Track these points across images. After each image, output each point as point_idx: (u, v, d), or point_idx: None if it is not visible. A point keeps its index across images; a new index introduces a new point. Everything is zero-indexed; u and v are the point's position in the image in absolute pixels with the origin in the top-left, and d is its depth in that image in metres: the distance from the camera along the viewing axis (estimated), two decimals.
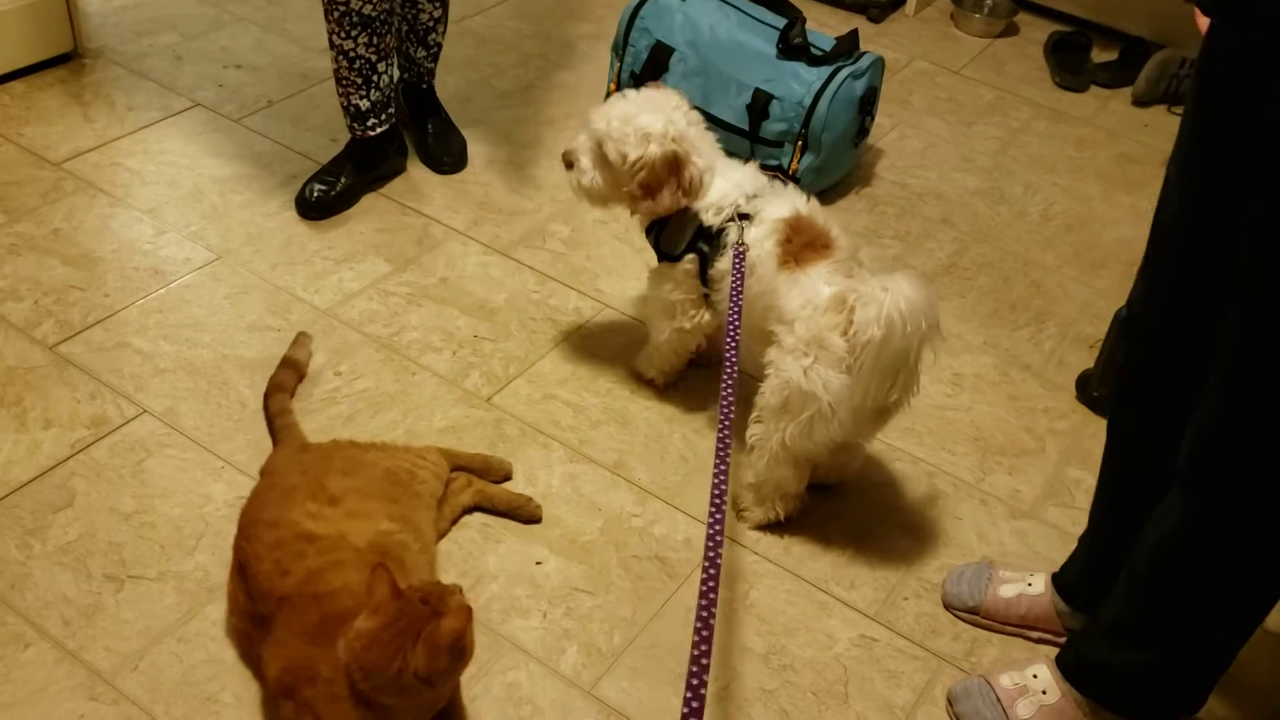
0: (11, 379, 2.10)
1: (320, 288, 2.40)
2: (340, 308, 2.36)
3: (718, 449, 1.55)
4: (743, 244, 1.95)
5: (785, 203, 1.98)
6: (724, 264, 1.98)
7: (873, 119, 2.87)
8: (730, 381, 1.66)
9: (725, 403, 1.63)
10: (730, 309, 1.86)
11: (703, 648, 1.29)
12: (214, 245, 2.47)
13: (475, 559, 1.91)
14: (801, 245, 1.91)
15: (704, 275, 2.04)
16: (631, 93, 2.05)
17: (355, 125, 2.58)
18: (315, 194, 2.57)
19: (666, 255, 2.08)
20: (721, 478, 1.52)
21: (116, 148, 2.71)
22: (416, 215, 2.64)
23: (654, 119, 1.98)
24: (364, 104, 2.54)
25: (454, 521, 1.95)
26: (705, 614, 1.31)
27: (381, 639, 1.44)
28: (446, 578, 1.86)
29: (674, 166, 1.97)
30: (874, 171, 2.98)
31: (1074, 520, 2.06)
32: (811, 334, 1.82)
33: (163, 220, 2.52)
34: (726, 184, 2.01)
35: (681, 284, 2.07)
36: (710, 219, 2.00)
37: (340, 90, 2.53)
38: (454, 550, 1.92)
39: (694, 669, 1.26)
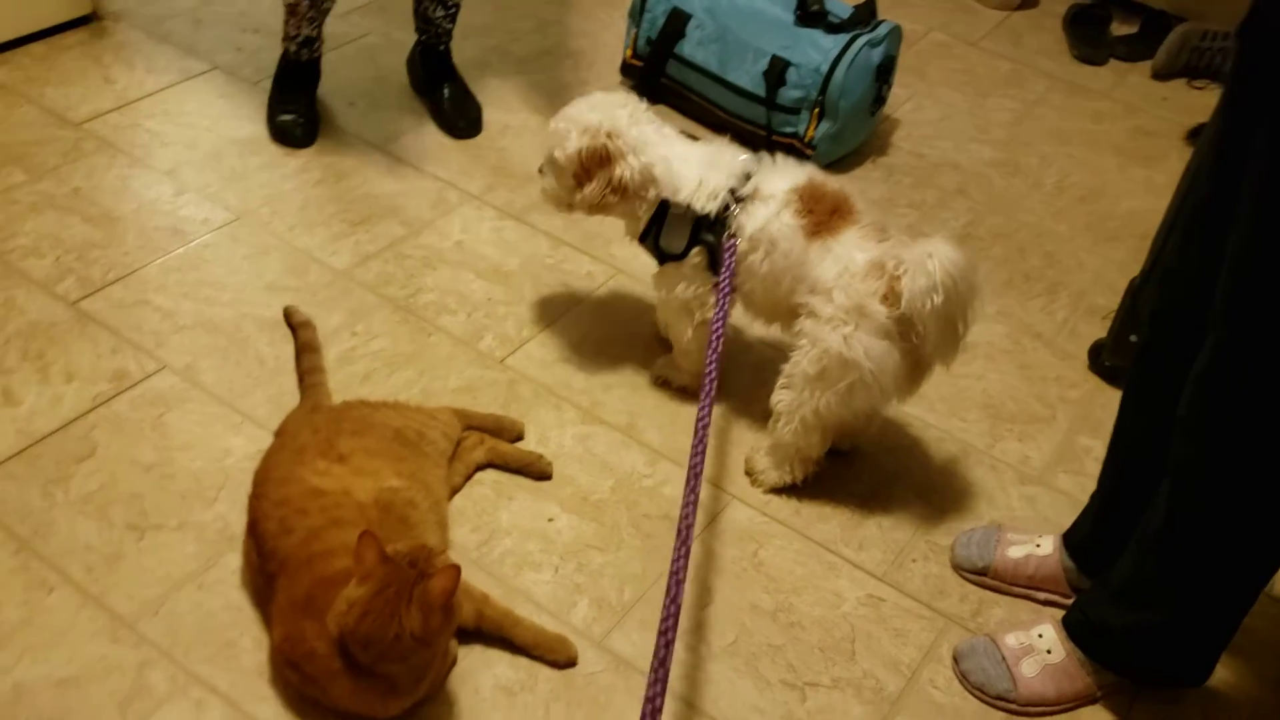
0: (34, 333, 2.13)
1: (337, 249, 2.42)
2: (357, 269, 2.38)
3: (693, 451, 1.60)
4: (733, 236, 1.94)
5: (786, 174, 1.96)
6: (740, 246, 1.95)
7: (889, 88, 2.87)
8: (713, 375, 1.71)
9: (705, 402, 1.68)
10: (717, 303, 1.87)
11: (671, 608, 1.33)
12: (233, 206, 2.49)
13: (488, 515, 1.93)
14: (826, 213, 1.90)
15: (715, 266, 2.00)
16: (592, 95, 2.04)
17: (303, 50, 2.69)
18: (293, 123, 2.68)
19: (670, 256, 2.03)
20: (697, 469, 1.60)
21: (136, 109, 2.73)
22: (432, 179, 2.65)
23: (591, 115, 1.97)
24: (315, 33, 2.67)
25: (467, 478, 1.98)
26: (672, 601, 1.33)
27: (374, 606, 1.47)
28: (460, 533, 1.89)
29: (602, 160, 1.95)
30: (890, 141, 2.98)
31: (1083, 487, 2.07)
32: (852, 302, 1.82)
33: (182, 181, 2.54)
34: (708, 169, 1.97)
35: (693, 279, 2.02)
36: (705, 205, 1.96)
37: (293, 22, 2.63)
38: (467, 506, 1.94)
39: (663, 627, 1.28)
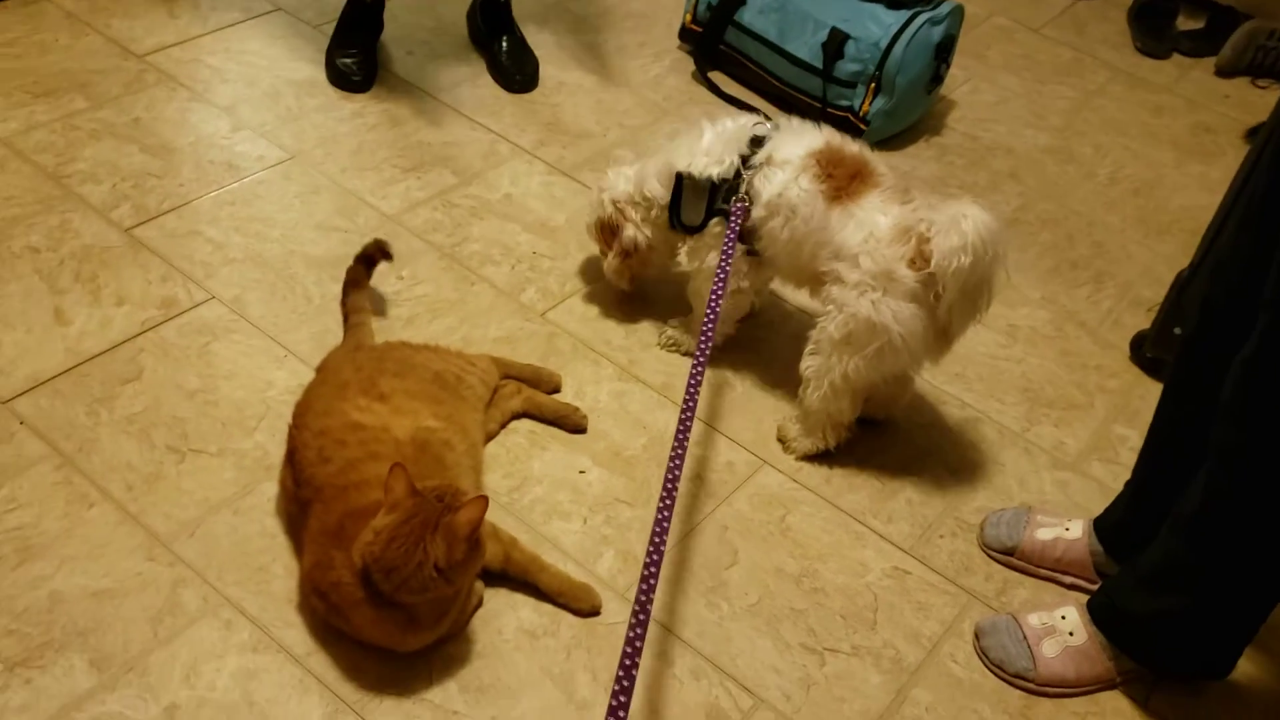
0: (88, 256, 2.17)
1: (388, 194, 2.44)
2: (406, 215, 2.40)
3: (678, 431, 1.61)
4: (742, 200, 1.95)
5: (802, 139, 1.96)
6: (759, 212, 1.96)
7: (948, 67, 2.85)
8: (705, 347, 1.73)
9: (703, 347, 1.70)
10: (717, 274, 1.87)
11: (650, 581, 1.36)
12: (287, 145, 2.52)
13: (521, 462, 1.95)
14: (847, 178, 1.89)
15: (740, 235, 2.00)
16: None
17: None
18: (352, 67, 2.69)
19: (691, 229, 2.07)
20: (688, 420, 1.61)
21: (198, 45, 2.76)
22: (485, 131, 2.67)
23: (600, 189, 2.17)
24: None
25: (503, 425, 2.00)
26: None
27: (400, 533, 1.49)
28: (493, 478, 1.91)
29: (613, 230, 2.15)
30: (945, 122, 2.97)
31: (1116, 476, 2.06)
32: (880, 267, 1.82)
33: (239, 117, 2.57)
34: (718, 139, 2.01)
35: (717, 247, 2.02)
36: (714, 171, 1.99)
37: None
38: (501, 454, 1.96)
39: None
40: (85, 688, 1.55)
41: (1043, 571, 1.90)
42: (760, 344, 2.24)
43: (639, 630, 1.39)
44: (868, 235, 1.84)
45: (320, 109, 2.64)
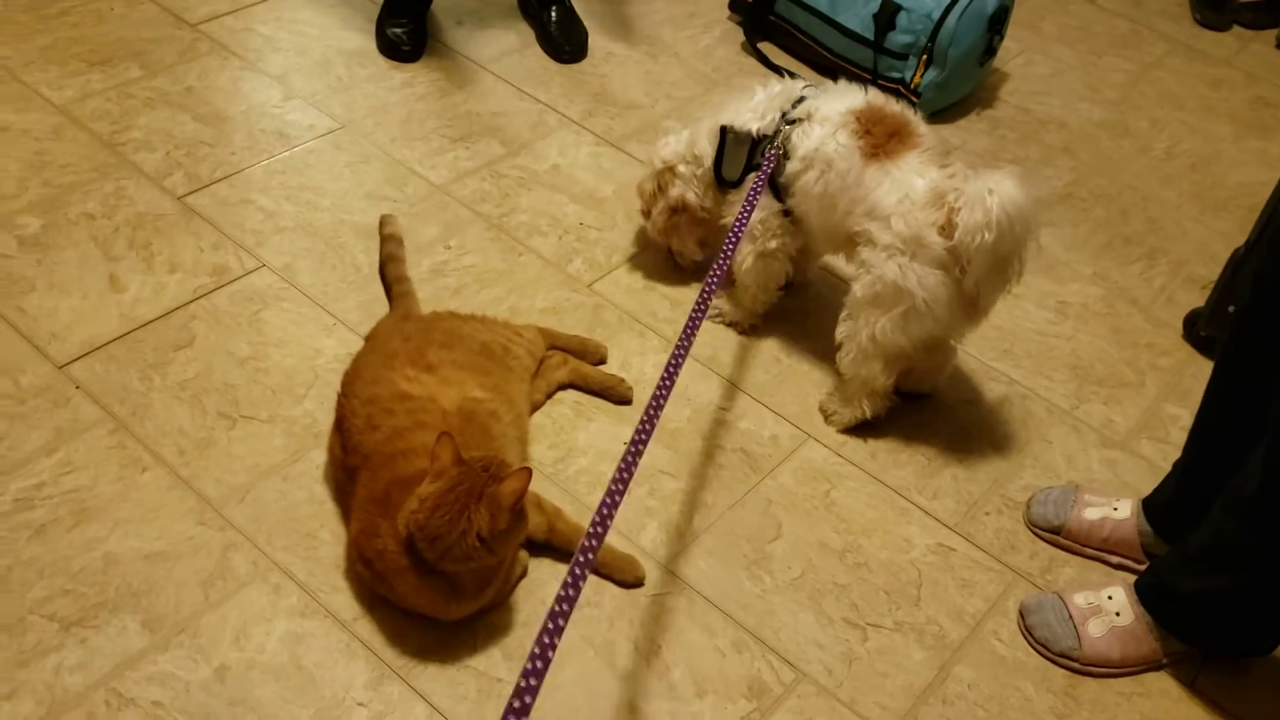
0: (141, 224, 2.20)
1: (436, 164, 2.45)
2: (454, 185, 2.41)
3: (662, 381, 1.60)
4: (776, 149, 1.97)
5: (843, 97, 1.96)
6: (794, 165, 1.95)
7: (1001, 39, 2.81)
8: (714, 282, 1.69)
9: (709, 284, 1.67)
10: (738, 216, 1.86)
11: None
12: (338, 115, 2.53)
13: (566, 433, 1.96)
14: (885, 135, 1.87)
15: (775, 191, 2.00)
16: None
17: None
18: (402, 37, 2.70)
19: (730, 184, 2.09)
20: (680, 357, 1.63)
21: (251, 14, 2.78)
22: (533, 101, 2.67)
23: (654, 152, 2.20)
24: None
25: (548, 396, 2.01)
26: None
27: (445, 501, 1.51)
28: (538, 449, 1.92)
29: (660, 190, 2.18)
30: (997, 94, 2.93)
31: (1165, 455, 2.04)
32: (911, 231, 1.81)
33: (290, 87, 2.59)
34: (763, 98, 2.05)
35: (765, 207, 2.01)
36: (756, 126, 2.01)
37: None
38: (547, 424, 1.97)
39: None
40: (138, 648, 1.59)
41: (1089, 551, 1.88)
42: (807, 317, 2.23)
43: (569, 593, 1.27)
44: (903, 196, 1.83)
45: (370, 78, 2.65)
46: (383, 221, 2.24)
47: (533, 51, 2.81)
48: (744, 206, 1.89)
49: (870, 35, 2.72)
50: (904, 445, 2.03)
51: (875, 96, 1.96)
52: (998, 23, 2.74)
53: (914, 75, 2.70)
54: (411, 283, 2.12)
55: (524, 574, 1.74)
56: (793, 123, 1.96)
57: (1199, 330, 2.28)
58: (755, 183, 1.93)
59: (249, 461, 1.83)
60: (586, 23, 2.87)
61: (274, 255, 2.18)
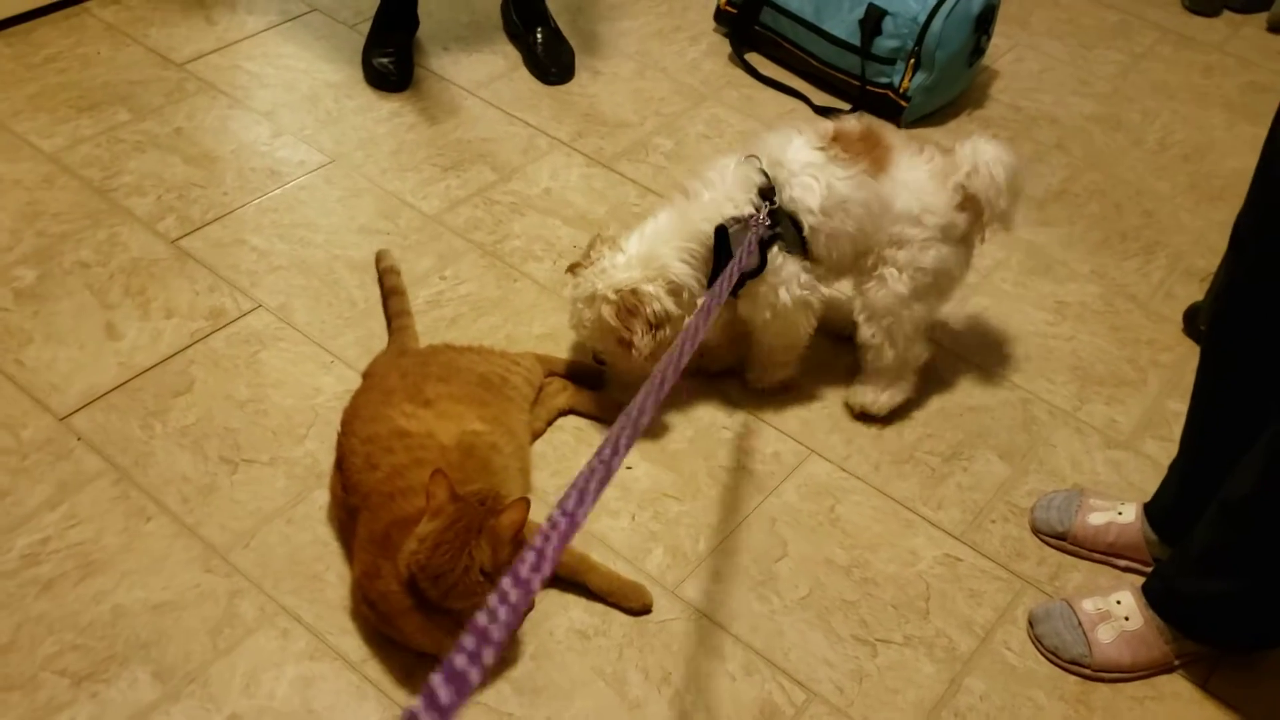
0: (136, 270, 2.20)
1: (428, 194, 2.45)
2: (447, 214, 2.41)
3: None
4: (759, 222, 1.85)
5: (794, 139, 1.89)
6: (813, 219, 1.87)
7: (989, 38, 2.80)
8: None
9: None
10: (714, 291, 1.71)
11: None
12: (327, 149, 2.54)
13: (568, 459, 1.96)
14: (867, 150, 1.89)
15: (802, 244, 1.91)
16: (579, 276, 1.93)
17: None
18: (388, 67, 2.71)
19: (751, 274, 1.91)
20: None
21: (236, 50, 2.79)
22: (523, 125, 2.67)
23: (595, 309, 1.89)
24: None
25: (549, 423, 2.01)
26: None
27: (445, 539, 1.51)
28: (540, 477, 1.92)
29: (631, 311, 1.86)
30: (988, 93, 2.92)
31: (1170, 453, 2.01)
32: (943, 220, 1.91)
33: (279, 123, 2.59)
34: (720, 186, 1.88)
35: (793, 270, 1.92)
36: (748, 208, 1.86)
37: None
38: (548, 451, 1.97)
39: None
40: (149, 699, 1.59)
41: (1096, 556, 1.88)
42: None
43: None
44: (919, 193, 1.90)
45: (359, 110, 2.65)
46: (379, 257, 2.24)
47: (520, 75, 2.81)
48: (734, 266, 1.77)
49: (856, 41, 2.72)
50: (907, 456, 2.03)
51: (821, 123, 1.95)
52: (984, 22, 2.73)
53: (902, 80, 2.69)
54: (412, 317, 2.12)
55: (530, 607, 1.74)
56: (771, 193, 1.87)
57: (1199, 324, 2.27)
58: (746, 245, 1.83)
59: (252, 506, 1.84)
60: (572, 42, 2.87)
61: (269, 295, 2.18)
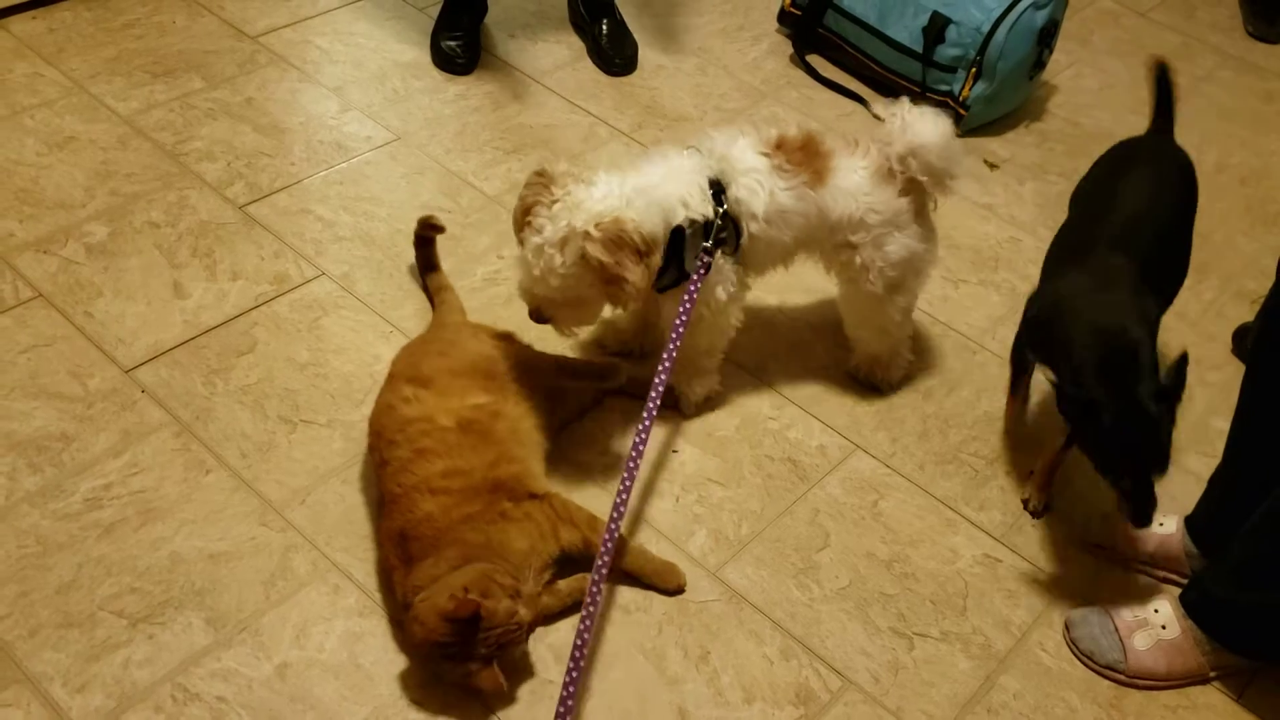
0: (204, 232, 2.26)
1: (490, 175, 2.49)
2: (507, 196, 2.45)
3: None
4: (704, 260, 1.81)
5: (739, 141, 1.87)
6: (754, 226, 1.85)
7: (1050, 52, 2.82)
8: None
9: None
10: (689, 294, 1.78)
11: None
12: (394, 126, 2.59)
13: (616, 441, 1.99)
14: (808, 158, 1.87)
15: (737, 250, 1.89)
16: (537, 222, 1.77)
17: None
18: (456, 50, 2.75)
19: (685, 275, 1.85)
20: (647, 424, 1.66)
21: (309, 26, 2.84)
22: (584, 114, 2.71)
23: (570, 250, 1.72)
24: None
25: (581, 413, 2.02)
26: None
27: (445, 648, 1.55)
28: (588, 455, 1.95)
29: (618, 242, 1.71)
30: (1046, 107, 2.93)
31: (1213, 469, 2.04)
32: (889, 212, 1.92)
33: (347, 98, 2.64)
34: (677, 180, 1.81)
35: (727, 273, 1.89)
36: (703, 209, 1.82)
37: None
38: (596, 430, 2.01)
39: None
40: (203, 644, 1.63)
41: (1135, 565, 1.89)
42: None
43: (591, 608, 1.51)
44: (859, 194, 1.91)
45: (425, 91, 2.70)
46: (424, 222, 2.19)
47: (584, 65, 2.85)
48: (693, 286, 1.80)
49: (919, 48, 2.74)
50: (951, 457, 2.05)
51: (765, 130, 1.91)
52: (1047, 36, 2.75)
53: (962, 88, 2.71)
54: (451, 289, 2.14)
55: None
56: (720, 189, 1.83)
57: (1249, 345, 2.27)
58: (701, 266, 1.82)
59: (309, 465, 1.88)
60: (637, 36, 2.91)
61: (333, 264, 2.23)
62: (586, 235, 1.69)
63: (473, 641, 1.52)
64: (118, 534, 1.75)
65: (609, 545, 1.58)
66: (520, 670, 1.65)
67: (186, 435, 1.90)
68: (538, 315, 1.83)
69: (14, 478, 1.81)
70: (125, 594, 1.68)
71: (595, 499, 1.86)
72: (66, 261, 2.16)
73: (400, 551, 1.63)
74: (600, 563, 1.57)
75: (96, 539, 1.74)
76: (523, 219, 1.79)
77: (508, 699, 1.62)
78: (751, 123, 2.00)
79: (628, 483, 1.64)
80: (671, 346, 1.77)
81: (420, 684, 1.62)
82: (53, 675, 1.58)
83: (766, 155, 1.87)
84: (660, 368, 1.75)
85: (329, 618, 1.69)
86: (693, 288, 1.81)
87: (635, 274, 1.71)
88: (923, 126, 1.88)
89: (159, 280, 2.15)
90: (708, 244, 1.82)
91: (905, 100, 1.93)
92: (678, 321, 1.78)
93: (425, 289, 2.18)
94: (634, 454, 1.66)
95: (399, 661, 1.65)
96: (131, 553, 1.73)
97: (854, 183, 1.91)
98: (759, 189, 1.84)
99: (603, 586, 1.58)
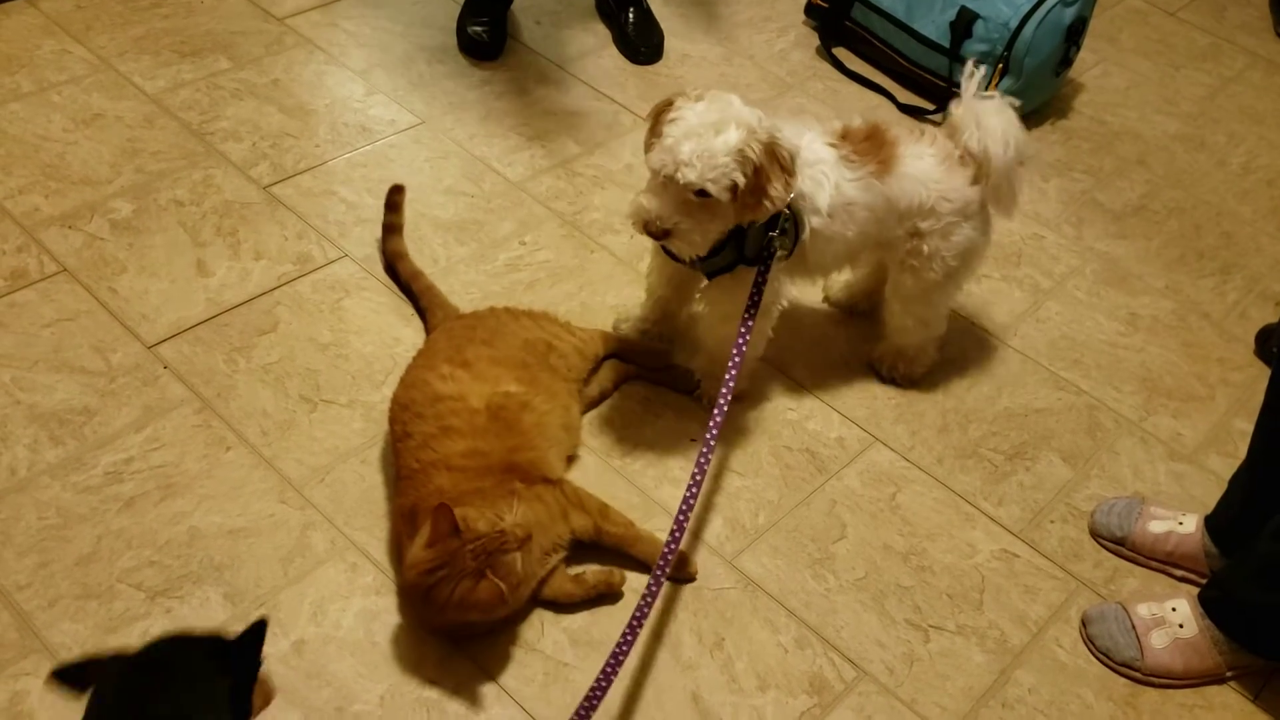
0: (228, 211, 2.27)
1: (513, 161, 2.50)
2: (529, 182, 2.45)
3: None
4: (774, 241, 1.80)
5: (803, 131, 1.85)
6: (817, 220, 1.83)
7: (1078, 50, 2.80)
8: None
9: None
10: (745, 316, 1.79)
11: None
12: (418, 110, 2.59)
13: (633, 428, 2.00)
14: (874, 148, 1.87)
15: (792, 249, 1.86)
16: (683, 112, 1.71)
17: None
18: (482, 35, 2.74)
19: (756, 259, 1.83)
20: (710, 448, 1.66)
21: (335, 9, 2.85)
22: (609, 102, 2.70)
23: (730, 136, 1.66)
24: None
25: (603, 395, 2.03)
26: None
27: (438, 574, 1.54)
28: (605, 442, 1.96)
29: (769, 155, 1.69)
30: (1072, 105, 2.92)
31: (1233, 470, 2.03)
32: (961, 201, 1.91)
33: (373, 82, 2.65)
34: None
35: (780, 276, 1.90)
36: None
37: None
38: (614, 417, 2.01)
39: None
40: (220, 619, 1.64)
41: (1153, 564, 1.88)
42: (878, 324, 2.24)
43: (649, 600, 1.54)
44: (929, 182, 1.89)
45: (450, 76, 2.70)
46: (391, 194, 2.19)
47: (609, 53, 2.85)
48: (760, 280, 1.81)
49: (946, 43, 2.73)
50: (970, 452, 2.04)
51: (830, 123, 1.91)
52: (1075, 34, 2.73)
53: (989, 84, 2.70)
54: (439, 292, 2.11)
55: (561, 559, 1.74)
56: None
57: (1272, 347, 2.26)
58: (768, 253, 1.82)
59: (329, 444, 1.89)
60: (663, 25, 2.90)
61: (355, 246, 2.24)
62: (751, 129, 1.67)
63: (460, 555, 1.53)
64: (138, 508, 1.76)
65: (668, 557, 1.59)
66: (534, 651, 1.66)
67: (208, 412, 1.91)
68: (658, 228, 1.71)
69: (36, 450, 1.82)
70: (144, 567, 1.69)
71: (612, 484, 1.85)
72: (91, 237, 2.17)
73: (411, 528, 1.63)
74: (656, 575, 1.58)
75: (116, 512, 1.75)
76: (666, 110, 1.73)
77: (525, 680, 1.62)
78: (790, 112, 1.97)
79: (691, 502, 1.65)
80: (741, 341, 1.77)
81: (436, 662, 1.63)
82: (71, 646, 1.59)
83: (834, 146, 1.86)
84: (730, 363, 1.75)
85: (346, 595, 1.69)
86: (760, 279, 1.81)
87: (779, 189, 1.69)
88: (994, 118, 1.88)
89: (183, 258, 2.16)
90: (774, 233, 1.80)
91: (974, 81, 1.93)
92: (745, 315, 1.79)
93: (384, 252, 2.19)
94: (701, 460, 1.68)
95: (415, 639, 1.65)
96: (151, 527, 1.74)
97: (922, 169, 1.89)
98: (824, 181, 1.82)
99: (653, 602, 1.58)
